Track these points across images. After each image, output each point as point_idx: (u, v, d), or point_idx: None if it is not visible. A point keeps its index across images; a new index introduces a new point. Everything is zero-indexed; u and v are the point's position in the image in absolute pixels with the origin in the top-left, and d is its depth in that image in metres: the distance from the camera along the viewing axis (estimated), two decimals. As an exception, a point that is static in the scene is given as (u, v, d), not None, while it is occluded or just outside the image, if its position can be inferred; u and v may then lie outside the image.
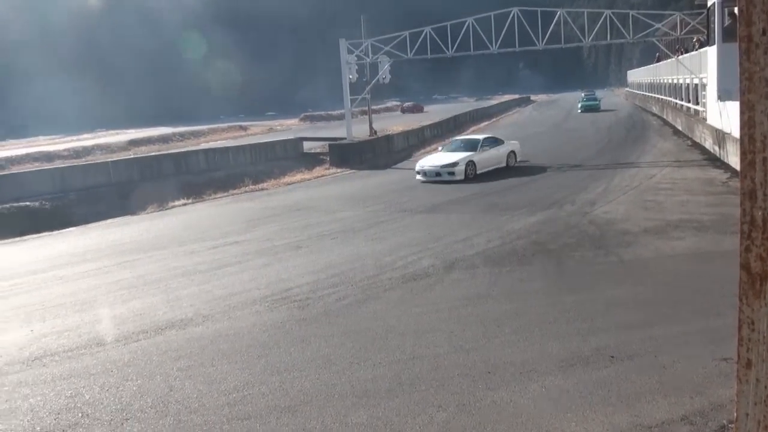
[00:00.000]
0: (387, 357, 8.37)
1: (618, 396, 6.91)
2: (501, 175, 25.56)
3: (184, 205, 25.69)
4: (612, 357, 7.87)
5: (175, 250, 16.60)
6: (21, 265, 16.71)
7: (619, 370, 7.53)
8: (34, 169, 42.00)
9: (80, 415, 7.40)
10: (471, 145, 26.85)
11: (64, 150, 56.38)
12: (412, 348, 8.62)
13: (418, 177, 25.60)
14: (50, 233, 22.05)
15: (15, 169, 43.52)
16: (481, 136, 28.43)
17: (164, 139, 64.34)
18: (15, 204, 29.81)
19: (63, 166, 41.87)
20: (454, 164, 25.03)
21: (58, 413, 7.50)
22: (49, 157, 52.07)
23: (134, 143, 60.65)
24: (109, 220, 23.53)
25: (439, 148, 27.70)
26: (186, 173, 36.04)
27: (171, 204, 25.69)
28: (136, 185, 32.75)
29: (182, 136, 67.39)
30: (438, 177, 25.00)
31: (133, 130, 75.49)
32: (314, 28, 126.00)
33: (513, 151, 27.76)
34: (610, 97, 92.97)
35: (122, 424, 7.06)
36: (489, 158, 26.35)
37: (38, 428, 7.17)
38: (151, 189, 29.66)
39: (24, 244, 20.43)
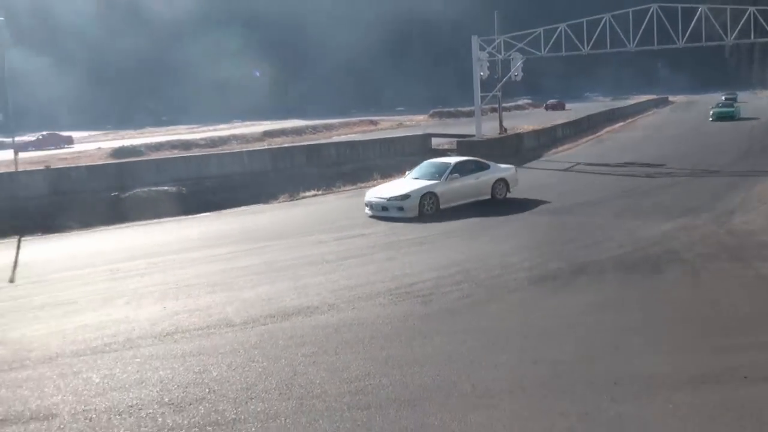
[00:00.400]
0: (509, 359, 8.28)
1: (750, 419, 6.56)
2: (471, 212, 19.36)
3: (314, 196, 26.24)
4: (745, 377, 7.47)
5: (303, 240, 17.01)
6: (158, 246, 17.63)
7: (752, 392, 7.14)
8: (172, 155, 44.18)
9: (207, 390, 7.71)
10: (438, 171, 20.62)
11: (201, 139, 58.92)
12: (535, 351, 8.49)
13: (366, 210, 20.00)
14: (185, 217, 23.12)
15: (154, 156, 45.86)
16: (453, 160, 21.88)
17: (297, 131, 66.02)
18: (153, 188, 31.32)
19: (200, 154, 43.81)
20: (404, 197, 19.24)
21: (186, 387, 7.85)
22: (186, 145, 54.57)
23: (268, 134, 62.52)
24: (242, 208, 24.36)
25: (407, 173, 22.07)
26: (317, 165, 36.78)
27: (301, 194, 26.28)
28: (268, 175, 33.75)
29: (314, 129, 68.91)
30: (385, 212, 19.34)
31: (268, 122, 77.80)
32: (447, 24, 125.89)
33: (503, 179, 21.29)
34: (753, 100, 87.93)
35: (246, 402, 7.30)
36: (461, 188, 20.27)
37: (166, 399, 7.51)
38: (283, 179, 30.46)
39: (161, 226, 21.53)
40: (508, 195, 21.27)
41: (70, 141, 65.98)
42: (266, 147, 47.74)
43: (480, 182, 20.84)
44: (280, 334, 9.55)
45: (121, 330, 10.25)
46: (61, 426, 7.04)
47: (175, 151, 49.84)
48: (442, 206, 19.53)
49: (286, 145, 49.19)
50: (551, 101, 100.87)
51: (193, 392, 7.66)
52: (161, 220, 22.74)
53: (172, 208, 26.16)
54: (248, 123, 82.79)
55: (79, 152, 53.21)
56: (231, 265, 14.50)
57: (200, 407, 7.23)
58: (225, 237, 18.31)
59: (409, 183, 20.44)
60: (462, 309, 10.45)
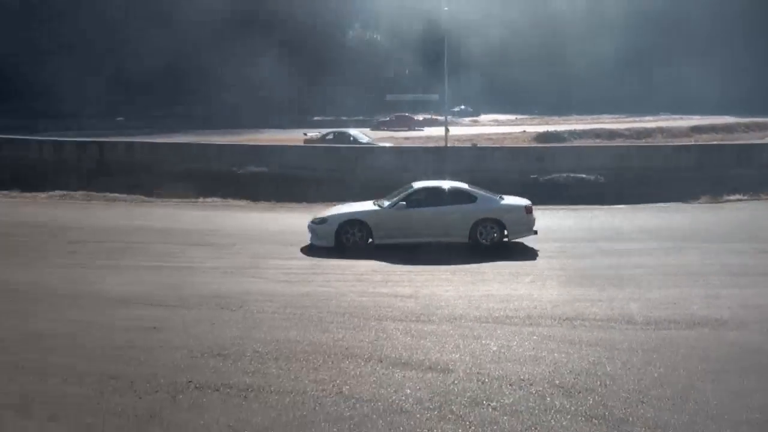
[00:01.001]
0: None
1: None
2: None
3: (738, 200, 24.49)
4: None
5: (721, 246, 16.00)
6: (567, 232, 18.11)
7: None
8: (594, 144, 44.46)
9: (598, 383, 7.59)
10: (394, 196, 16.66)
11: (625, 129, 58.32)
12: None
13: None
14: (599, 207, 23.22)
15: (576, 143, 46.60)
16: (420, 184, 17.01)
17: (728, 129, 61.56)
18: (571, 174, 31.65)
19: (621, 144, 43.46)
20: (321, 221, 16.15)
21: (578, 374, 7.84)
22: (610, 134, 54.53)
23: (696, 130, 59.47)
24: (660, 204, 23.71)
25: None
26: (747, 167, 33.84)
27: (725, 197, 24.73)
28: (692, 172, 32.06)
29: (747, 127, 63.58)
30: (310, 236, 16.38)
31: (697, 117, 73.57)
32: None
33: (493, 220, 16.00)
34: None
35: (637, 405, 7.04)
36: (416, 222, 15.96)
37: (557, 382, 7.60)
38: (708, 178, 28.75)
39: (575, 213, 21.95)
40: (498, 240, 15.94)
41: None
42: (692, 143, 45.44)
43: (450, 218, 16.04)
44: (682, 342, 9.06)
45: (523, 306, 10.73)
46: (455, 381, 7.58)
47: (598, 140, 50.04)
48: (381, 240, 15.83)
49: (714, 142, 46.23)
50: None
51: (584, 381, 7.64)
52: (575, 207, 23.15)
53: (587, 196, 26.39)
54: (676, 117, 79.13)
55: (505, 134, 56.12)
56: (642, 261, 14.30)
57: (589, 398, 7.20)
58: (638, 231, 18.02)
59: (348, 207, 17.28)
60: None
